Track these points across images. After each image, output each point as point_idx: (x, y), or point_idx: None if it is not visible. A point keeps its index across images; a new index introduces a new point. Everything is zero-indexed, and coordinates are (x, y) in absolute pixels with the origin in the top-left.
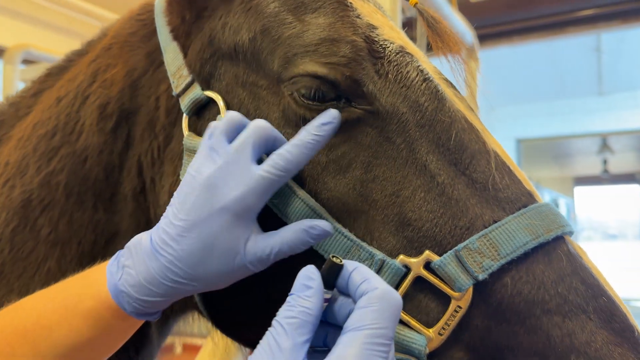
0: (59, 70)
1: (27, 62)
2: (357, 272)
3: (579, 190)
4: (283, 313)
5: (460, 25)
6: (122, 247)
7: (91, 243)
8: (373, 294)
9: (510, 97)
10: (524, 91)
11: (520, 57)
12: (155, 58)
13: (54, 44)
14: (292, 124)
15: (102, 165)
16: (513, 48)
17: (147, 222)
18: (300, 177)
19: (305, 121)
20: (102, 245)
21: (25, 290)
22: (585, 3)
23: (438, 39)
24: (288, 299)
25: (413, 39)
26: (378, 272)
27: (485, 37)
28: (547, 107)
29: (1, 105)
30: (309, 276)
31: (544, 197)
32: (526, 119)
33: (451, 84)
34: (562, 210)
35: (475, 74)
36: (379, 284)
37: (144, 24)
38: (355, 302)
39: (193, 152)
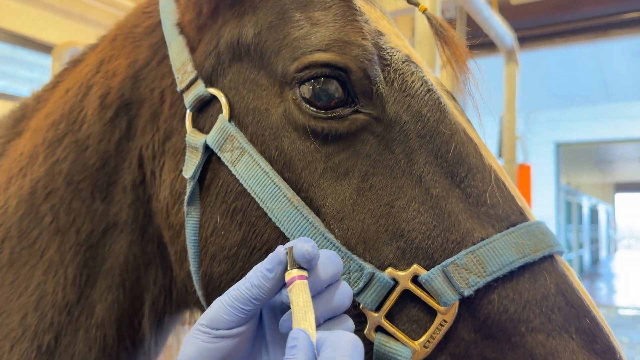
0: (74, 64)
1: None
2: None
3: (619, 197)
4: None
5: (500, 28)
6: (118, 240)
7: (89, 233)
8: None
9: (551, 100)
10: (566, 94)
11: (563, 59)
12: (158, 50)
13: None
14: (292, 129)
15: (99, 153)
16: (556, 50)
17: (145, 214)
18: (296, 183)
19: (311, 130)
20: (99, 236)
21: (30, 276)
22: (630, 6)
23: (445, 47)
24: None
25: None
26: (367, 284)
27: (527, 39)
28: (589, 111)
29: (27, 99)
30: (293, 337)
31: (583, 203)
32: (567, 122)
33: (452, 95)
34: (602, 216)
35: (515, 77)
36: None
37: (148, 17)
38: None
39: (195, 149)
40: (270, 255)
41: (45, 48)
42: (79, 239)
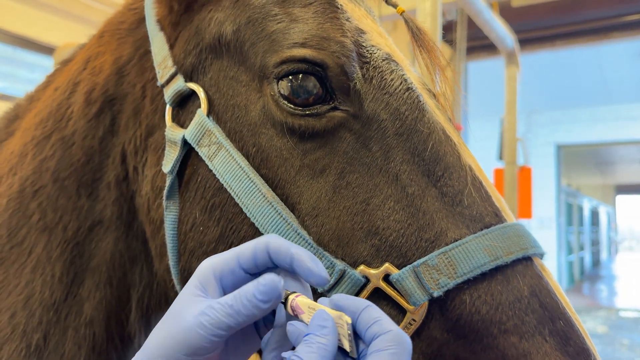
0: (65, 63)
1: None
2: (367, 311)
3: (620, 199)
4: (302, 349)
5: (501, 30)
6: (104, 237)
7: (75, 230)
8: (387, 337)
9: (552, 102)
10: (566, 96)
11: (564, 61)
12: (141, 46)
13: None
14: (270, 125)
15: (84, 149)
16: (556, 52)
17: (129, 211)
18: (273, 179)
19: (288, 128)
20: (86, 233)
21: (19, 275)
22: (631, 8)
23: (422, 50)
24: (306, 338)
25: (452, 41)
26: (338, 281)
27: (527, 41)
28: (590, 113)
29: (20, 100)
30: (324, 318)
31: (584, 204)
32: (568, 124)
33: (433, 94)
34: (603, 218)
35: (516, 79)
36: (391, 326)
37: (134, 13)
38: (365, 342)
39: (174, 143)
40: (265, 287)
41: (46, 49)
42: (65, 237)
